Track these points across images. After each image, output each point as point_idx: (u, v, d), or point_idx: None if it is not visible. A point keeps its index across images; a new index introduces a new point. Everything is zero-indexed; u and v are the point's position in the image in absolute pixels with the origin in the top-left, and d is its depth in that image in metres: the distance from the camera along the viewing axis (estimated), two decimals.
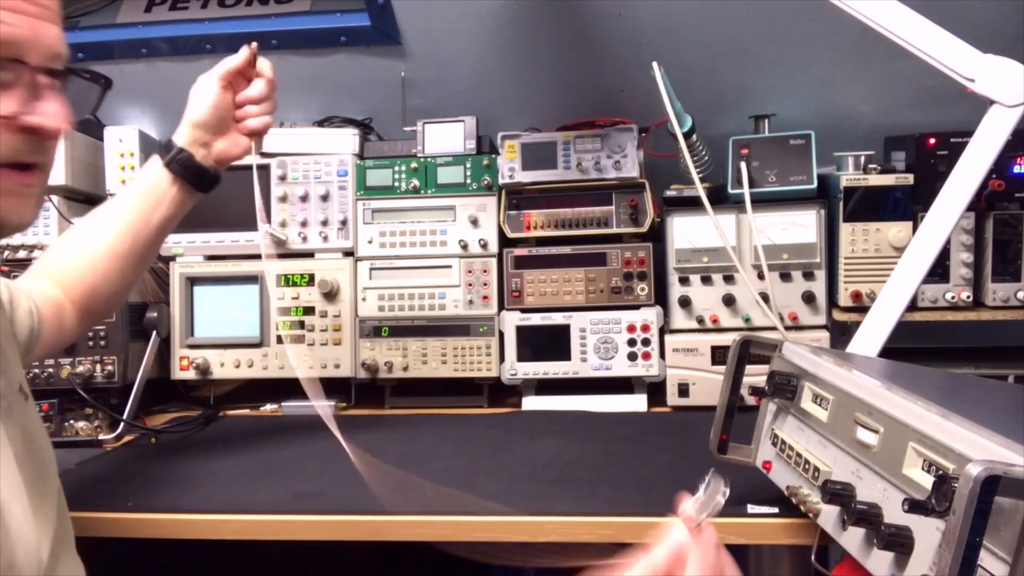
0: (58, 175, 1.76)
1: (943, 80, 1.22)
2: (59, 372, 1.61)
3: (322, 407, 1.12)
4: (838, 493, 0.86)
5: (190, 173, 1.27)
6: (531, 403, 1.71)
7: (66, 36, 0.80)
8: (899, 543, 0.75)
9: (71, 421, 1.57)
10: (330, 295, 1.74)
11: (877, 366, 1.13)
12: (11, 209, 0.76)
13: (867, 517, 0.80)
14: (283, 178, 1.76)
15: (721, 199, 1.62)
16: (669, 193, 1.66)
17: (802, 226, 1.60)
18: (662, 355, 1.65)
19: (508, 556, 1.13)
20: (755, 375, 1.14)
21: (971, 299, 1.56)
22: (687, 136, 1.58)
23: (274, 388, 1.81)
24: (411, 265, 1.74)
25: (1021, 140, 1.45)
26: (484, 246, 1.73)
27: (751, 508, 1.09)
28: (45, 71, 0.76)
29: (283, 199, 1.76)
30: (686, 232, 1.64)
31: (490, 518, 1.12)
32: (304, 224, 1.76)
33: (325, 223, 1.76)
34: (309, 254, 1.77)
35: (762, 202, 1.59)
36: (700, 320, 1.65)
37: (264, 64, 1.31)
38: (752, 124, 1.71)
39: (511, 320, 1.70)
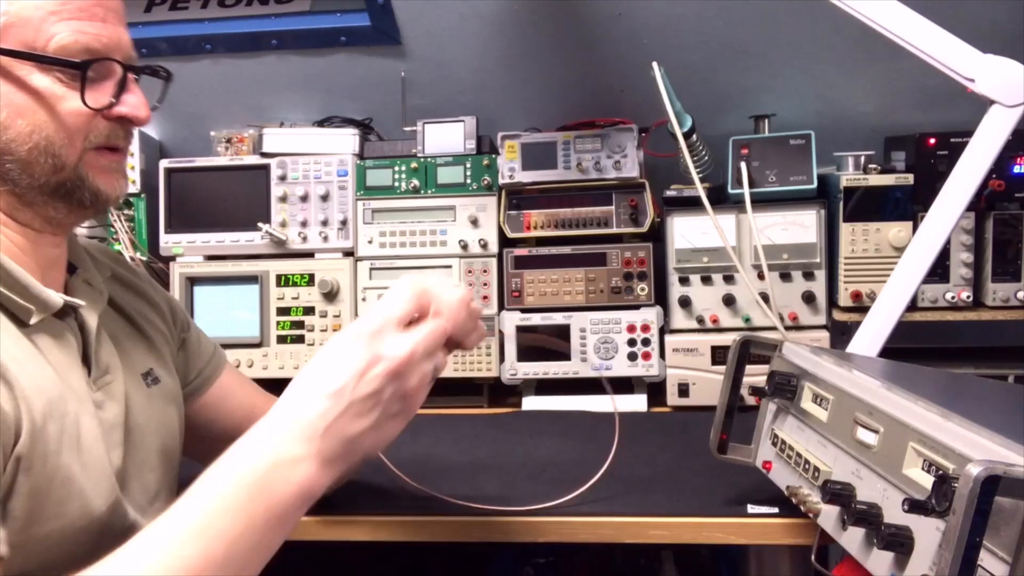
0: None
1: (943, 80, 1.22)
2: None
3: None
4: (838, 493, 0.86)
5: None
6: (531, 403, 1.71)
7: None
8: (899, 543, 0.75)
9: None
10: (330, 295, 1.74)
11: (877, 366, 1.13)
12: (109, 184, 0.88)
13: (867, 517, 0.80)
14: (283, 178, 1.76)
15: (721, 199, 1.62)
16: (669, 193, 1.66)
17: (802, 226, 1.60)
18: (662, 355, 1.65)
19: None
20: (755, 375, 1.14)
21: (971, 299, 1.56)
22: (687, 136, 1.58)
23: (274, 388, 1.81)
24: (411, 265, 1.74)
25: (1021, 140, 1.45)
26: (484, 246, 1.73)
27: (751, 508, 1.09)
28: (129, 68, 0.88)
29: (283, 199, 1.76)
30: (686, 232, 1.64)
31: (490, 518, 1.12)
32: (304, 224, 1.76)
33: (325, 223, 1.76)
34: (309, 254, 1.77)
35: (762, 202, 1.59)
36: (700, 320, 1.65)
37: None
38: (752, 124, 1.71)
39: (511, 320, 1.70)
